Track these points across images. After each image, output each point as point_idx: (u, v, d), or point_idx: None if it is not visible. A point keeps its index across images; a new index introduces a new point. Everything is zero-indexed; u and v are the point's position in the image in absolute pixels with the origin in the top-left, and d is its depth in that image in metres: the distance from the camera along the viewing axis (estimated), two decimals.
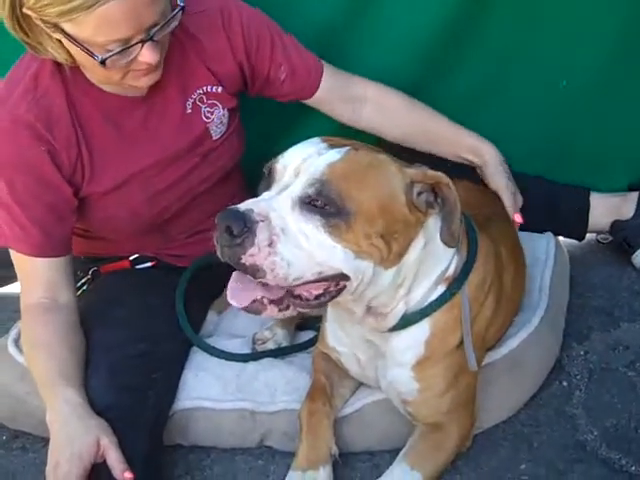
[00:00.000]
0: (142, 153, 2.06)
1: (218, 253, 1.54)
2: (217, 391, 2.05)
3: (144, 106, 2.05)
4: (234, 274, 1.61)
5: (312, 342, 2.13)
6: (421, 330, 1.77)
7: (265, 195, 1.58)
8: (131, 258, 2.28)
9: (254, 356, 2.13)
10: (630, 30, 2.37)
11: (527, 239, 2.34)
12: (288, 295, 1.59)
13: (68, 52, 1.86)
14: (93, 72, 1.91)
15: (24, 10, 1.76)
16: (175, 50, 2.03)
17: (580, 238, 2.61)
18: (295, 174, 1.57)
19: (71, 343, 1.94)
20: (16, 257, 2.01)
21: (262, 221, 1.51)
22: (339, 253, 1.55)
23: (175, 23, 1.86)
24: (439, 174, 1.62)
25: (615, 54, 2.41)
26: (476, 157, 2.27)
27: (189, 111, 2.10)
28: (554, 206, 2.55)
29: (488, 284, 1.85)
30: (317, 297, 1.60)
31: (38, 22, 1.78)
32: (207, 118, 2.13)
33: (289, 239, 1.52)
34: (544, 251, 2.40)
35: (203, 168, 2.16)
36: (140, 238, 2.22)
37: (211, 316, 2.34)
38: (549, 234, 2.48)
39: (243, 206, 1.53)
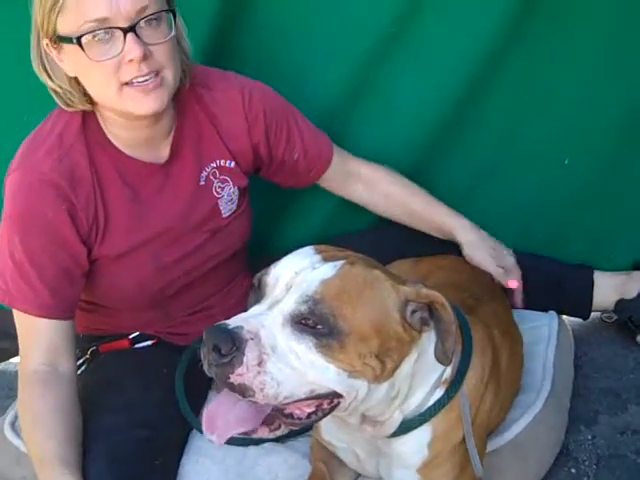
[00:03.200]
0: (154, 220, 2.08)
1: (205, 368, 1.51)
2: (218, 478, 2.00)
3: (162, 173, 2.08)
4: (210, 405, 1.59)
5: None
6: (423, 434, 1.72)
7: (255, 310, 1.53)
8: (131, 337, 2.25)
9: (255, 440, 2.07)
10: (635, 109, 2.39)
11: (530, 318, 2.32)
12: (279, 414, 1.54)
13: (84, 92, 1.94)
14: (95, 85, 1.92)
15: (43, 43, 1.89)
16: (193, 121, 2.10)
17: (585, 317, 2.59)
18: (287, 288, 1.52)
19: (70, 420, 1.90)
20: (19, 318, 1.98)
21: (252, 339, 1.46)
22: (332, 373, 1.50)
23: (168, 31, 1.89)
24: (434, 293, 1.57)
25: (619, 132, 2.43)
26: (453, 235, 2.32)
27: (202, 183, 2.13)
28: (558, 285, 2.53)
29: (487, 375, 1.81)
30: (309, 415, 1.56)
31: (51, 53, 1.89)
32: (217, 193, 2.16)
33: (279, 358, 1.48)
34: (547, 330, 2.37)
35: (212, 246, 2.17)
36: (142, 314, 2.20)
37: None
38: (552, 313, 2.45)
39: (232, 323, 1.49)
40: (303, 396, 1.51)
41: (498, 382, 1.87)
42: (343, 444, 1.86)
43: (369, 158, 2.49)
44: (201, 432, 2.06)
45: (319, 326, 1.48)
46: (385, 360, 1.54)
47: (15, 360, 2.74)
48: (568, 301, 2.53)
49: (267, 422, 1.54)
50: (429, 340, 1.63)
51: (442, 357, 1.59)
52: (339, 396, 1.54)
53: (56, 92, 1.97)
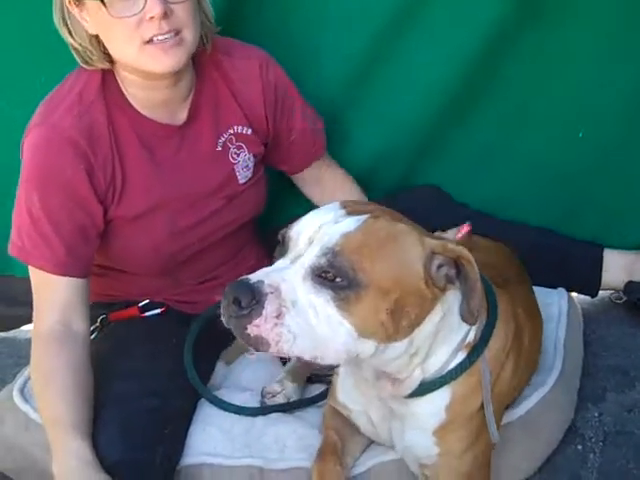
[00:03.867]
0: (171, 182, 2.09)
1: (223, 321, 1.51)
2: (225, 447, 2.01)
3: (178, 136, 2.10)
4: None
5: (323, 396, 2.09)
6: (441, 396, 1.72)
7: (279, 264, 1.54)
8: (140, 305, 2.26)
9: (263, 410, 2.09)
10: None
11: (540, 294, 2.30)
12: None
13: (104, 51, 1.96)
14: (116, 42, 1.93)
15: (66, 4, 1.92)
16: (211, 86, 2.13)
17: (593, 294, 2.58)
18: (309, 242, 1.52)
19: (82, 380, 1.92)
20: (35, 275, 2.00)
21: (272, 293, 1.47)
22: (344, 331, 1.50)
23: None
24: (460, 248, 1.56)
25: (633, 105, 2.42)
26: None
27: (219, 148, 2.16)
28: (567, 262, 2.53)
29: (509, 345, 1.82)
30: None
31: (73, 10, 1.91)
32: (233, 159, 2.18)
33: (298, 312, 1.48)
34: (557, 307, 2.36)
35: (227, 212, 2.19)
36: (152, 280, 2.22)
37: (220, 367, 2.30)
38: (562, 290, 2.45)
39: (254, 277, 1.49)
40: (309, 359, 1.51)
41: (519, 355, 1.88)
42: (358, 406, 1.87)
43: (382, 132, 2.52)
44: (209, 401, 2.10)
45: (338, 279, 1.48)
46: (401, 318, 1.53)
47: (25, 328, 2.75)
48: (577, 278, 2.53)
49: None
50: (455, 299, 1.62)
51: (468, 316, 1.58)
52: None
53: (76, 49, 1.99)
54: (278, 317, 1.47)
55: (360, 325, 1.51)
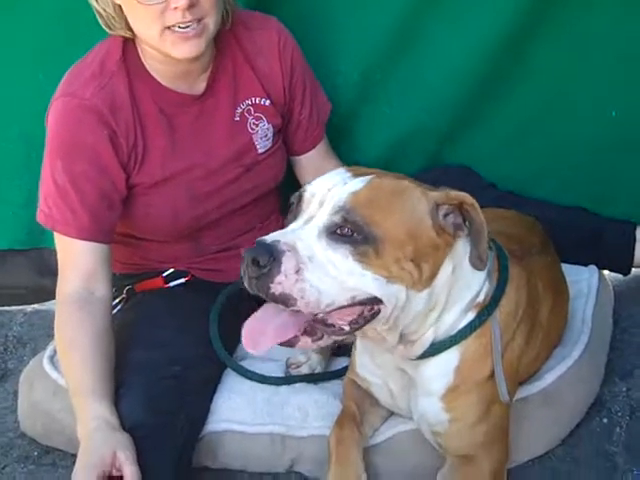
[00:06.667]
0: (189, 151, 2.14)
1: (246, 285, 1.56)
2: (248, 414, 2.04)
3: (197, 106, 2.14)
4: (248, 321, 1.65)
5: (347, 370, 2.09)
6: (450, 358, 1.74)
7: (293, 226, 1.60)
8: (165, 274, 2.29)
9: (287, 380, 2.12)
10: None
11: (570, 272, 2.29)
12: (321, 325, 1.58)
13: (126, 21, 1.99)
14: (138, 22, 1.97)
15: None
16: (230, 59, 2.17)
17: (625, 273, 2.54)
18: (320, 204, 1.58)
19: (105, 345, 1.97)
20: (60, 241, 2.05)
21: (289, 251, 1.52)
22: (369, 279, 1.55)
23: None
24: (463, 194, 1.62)
25: None
26: None
27: (237, 119, 2.19)
28: (599, 239, 2.50)
29: (520, 313, 1.82)
30: (351, 323, 1.60)
31: None
32: (252, 129, 2.21)
33: (316, 267, 1.53)
34: (587, 284, 2.34)
35: (245, 180, 2.22)
36: (175, 246, 2.25)
37: None
38: (593, 267, 2.42)
39: (269, 238, 1.55)
40: (345, 303, 1.56)
41: (534, 325, 1.88)
42: (377, 379, 1.88)
43: (410, 113, 2.53)
44: (234, 370, 2.11)
45: (354, 234, 1.54)
46: (421, 265, 1.59)
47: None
48: (609, 256, 2.50)
49: (309, 333, 1.59)
50: (464, 250, 1.66)
51: (477, 262, 1.63)
52: (379, 302, 1.58)
53: (99, 13, 2.04)
54: (297, 273, 1.52)
55: (384, 274, 1.56)
